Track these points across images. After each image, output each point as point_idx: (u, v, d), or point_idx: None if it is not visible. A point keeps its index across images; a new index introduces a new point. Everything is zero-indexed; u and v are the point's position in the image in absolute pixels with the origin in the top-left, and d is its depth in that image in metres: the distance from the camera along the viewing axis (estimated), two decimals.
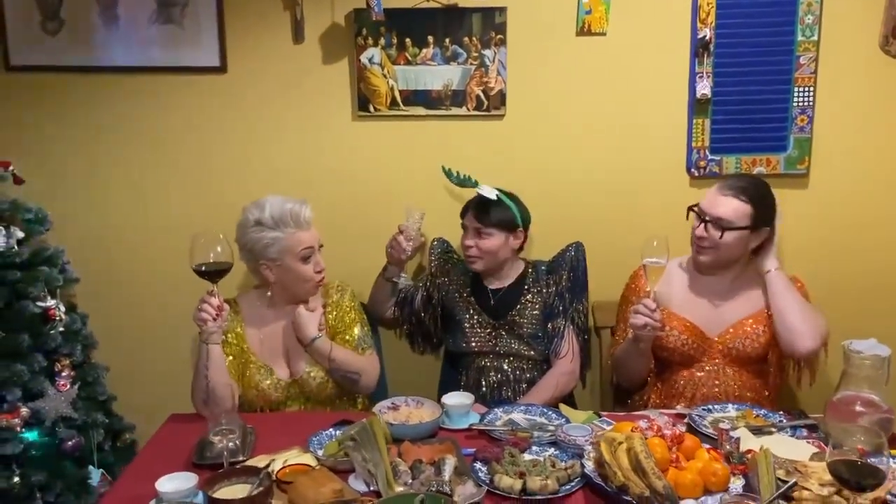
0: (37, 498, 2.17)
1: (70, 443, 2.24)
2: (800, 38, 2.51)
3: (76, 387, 2.28)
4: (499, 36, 2.53)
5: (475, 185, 2.46)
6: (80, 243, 2.56)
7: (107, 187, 2.67)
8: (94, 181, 2.67)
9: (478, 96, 2.58)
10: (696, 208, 2.26)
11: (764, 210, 2.21)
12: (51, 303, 2.24)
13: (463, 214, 2.46)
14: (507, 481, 1.63)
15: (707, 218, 2.20)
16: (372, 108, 2.59)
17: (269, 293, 2.23)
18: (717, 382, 2.23)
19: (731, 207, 2.17)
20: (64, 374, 2.26)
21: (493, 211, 2.38)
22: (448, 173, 2.51)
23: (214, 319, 2.01)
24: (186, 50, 2.56)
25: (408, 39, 2.54)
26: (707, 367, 2.25)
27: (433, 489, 1.59)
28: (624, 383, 2.43)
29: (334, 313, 2.29)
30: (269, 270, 2.18)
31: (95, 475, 2.31)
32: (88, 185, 2.67)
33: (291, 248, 2.15)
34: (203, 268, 1.94)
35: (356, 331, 2.30)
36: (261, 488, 1.58)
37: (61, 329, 2.27)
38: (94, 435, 2.31)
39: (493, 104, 2.58)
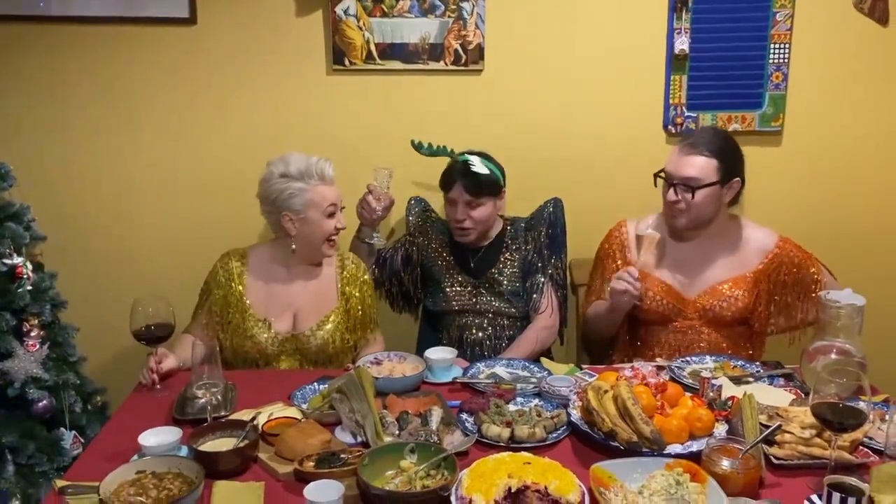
0: (8, 460, 2.12)
1: (41, 404, 2.18)
2: None
3: (45, 347, 2.21)
4: None
5: (451, 153, 2.37)
6: (44, 200, 2.47)
7: (70, 143, 2.58)
8: (57, 137, 2.57)
9: (456, 50, 2.53)
10: (661, 174, 2.20)
11: (730, 161, 2.16)
12: (17, 260, 2.16)
13: (447, 187, 2.35)
14: (495, 430, 1.63)
15: (675, 181, 2.14)
16: (347, 62, 2.53)
17: (293, 246, 2.18)
18: (692, 342, 2.21)
19: (697, 166, 2.12)
20: (33, 333, 2.19)
21: (481, 179, 2.30)
22: (419, 146, 2.39)
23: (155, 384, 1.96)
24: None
25: None
26: (682, 327, 2.23)
27: (421, 439, 1.58)
28: (593, 341, 2.44)
29: (353, 287, 2.26)
30: (290, 223, 2.16)
31: (67, 437, 2.26)
32: (50, 141, 2.57)
33: (316, 202, 2.14)
34: (143, 333, 1.94)
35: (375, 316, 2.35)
36: (247, 441, 1.56)
37: (29, 288, 2.19)
38: (66, 396, 2.25)
39: (471, 58, 2.54)
